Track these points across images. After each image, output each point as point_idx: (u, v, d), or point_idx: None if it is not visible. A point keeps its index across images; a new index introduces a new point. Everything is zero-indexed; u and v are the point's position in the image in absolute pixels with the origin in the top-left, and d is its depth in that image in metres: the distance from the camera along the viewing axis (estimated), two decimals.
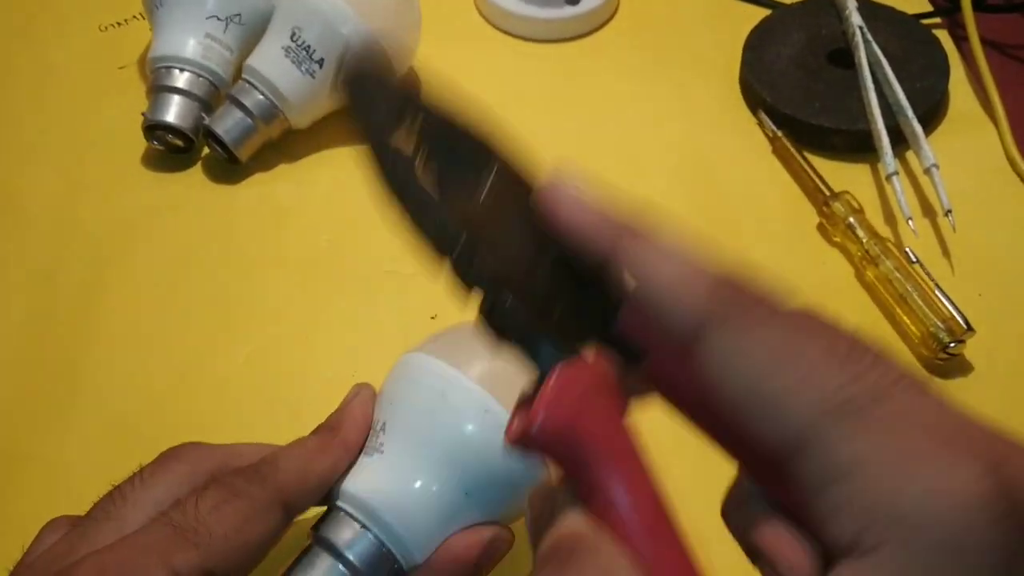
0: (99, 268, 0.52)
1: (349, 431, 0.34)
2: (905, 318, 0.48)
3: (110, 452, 0.45)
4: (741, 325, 0.22)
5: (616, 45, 0.63)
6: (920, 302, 0.47)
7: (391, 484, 0.33)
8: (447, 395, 0.33)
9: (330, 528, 0.33)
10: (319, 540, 0.33)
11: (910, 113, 0.53)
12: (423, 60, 0.60)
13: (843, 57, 0.58)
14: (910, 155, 0.55)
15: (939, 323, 0.46)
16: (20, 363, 0.48)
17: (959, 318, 0.46)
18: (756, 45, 0.60)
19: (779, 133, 0.56)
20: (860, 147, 0.55)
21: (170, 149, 0.55)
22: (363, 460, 0.34)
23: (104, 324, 0.49)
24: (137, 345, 0.49)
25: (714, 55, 0.62)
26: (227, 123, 0.53)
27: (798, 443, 0.20)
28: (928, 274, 0.48)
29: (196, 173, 0.56)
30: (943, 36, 0.60)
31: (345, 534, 0.33)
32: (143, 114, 0.54)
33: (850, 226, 0.51)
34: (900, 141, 0.55)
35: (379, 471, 0.34)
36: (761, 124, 0.57)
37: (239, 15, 0.56)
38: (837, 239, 0.52)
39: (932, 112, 0.56)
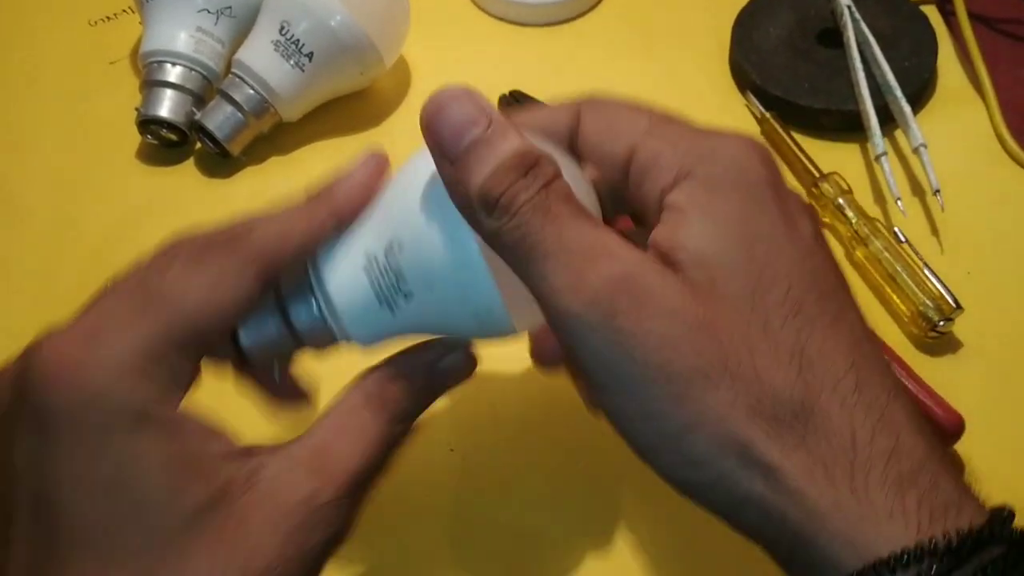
0: (96, 268, 0.52)
1: (342, 205, 0.31)
2: (895, 297, 0.49)
3: None
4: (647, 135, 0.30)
5: (606, 26, 0.63)
6: (909, 281, 0.48)
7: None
8: (492, 313, 0.31)
9: (291, 295, 0.32)
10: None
11: (898, 92, 0.54)
12: (416, 47, 0.60)
13: (832, 37, 0.58)
14: (900, 134, 0.55)
15: (928, 302, 0.47)
16: None
17: (948, 297, 0.47)
18: (746, 25, 0.60)
19: (767, 114, 0.56)
20: (849, 127, 0.55)
21: (164, 143, 0.56)
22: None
23: None
24: None
25: (704, 35, 0.62)
26: (218, 118, 0.54)
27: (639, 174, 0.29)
28: (917, 253, 0.49)
29: (189, 167, 0.56)
30: (932, 12, 0.60)
31: (303, 312, 0.31)
32: (137, 109, 0.55)
33: (839, 207, 0.51)
34: (889, 120, 0.55)
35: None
36: (749, 105, 0.58)
37: (230, 7, 0.56)
38: (826, 219, 0.52)
39: (921, 90, 0.57)
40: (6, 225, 0.55)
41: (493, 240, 0.27)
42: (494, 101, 0.57)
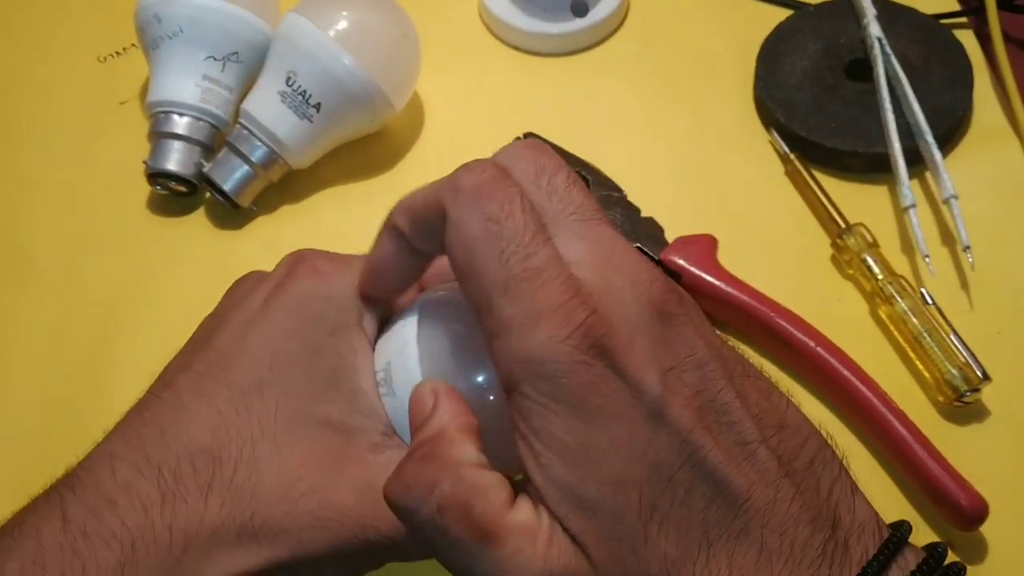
0: (109, 323, 0.52)
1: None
2: (919, 361, 0.47)
3: None
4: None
5: (624, 56, 0.61)
6: (935, 347, 0.46)
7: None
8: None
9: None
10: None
11: (930, 138, 0.51)
12: (430, 80, 0.58)
13: (862, 69, 0.56)
14: (931, 175, 0.53)
15: (954, 370, 0.45)
16: (36, 435, 0.49)
17: (975, 366, 0.45)
18: (771, 56, 0.57)
19: (791, 155, 0.54)
20: (878, 168, 0.53)
21: (174, 194, 0.55)
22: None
23: (116, 388, 0.50)
24: None
25: (728, 64, 0.59)
26: (225, 171, 0.53)
27: (482, 308, 0.27)
28: (944, 317, 0.47)
29: (200, 217, 0.55)
30: (968, 38, 0.57)
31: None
32: (145, 162, 0.54)
33: (864, 262, 0.49)
34: (920, 160, 0.53)
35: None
36: (774, 142, 0.55)
37: (236, 53, 0.54)
38: (851, 272, 0.50)
39: (954, 129, 0.54)
40: (17, 278, 0.54)
41: None
42: (510, 138, 0.56)
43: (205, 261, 0.54)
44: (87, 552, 0.29)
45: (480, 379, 0.31)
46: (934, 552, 0.28)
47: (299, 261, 0.34)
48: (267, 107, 0.52)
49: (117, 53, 0.63)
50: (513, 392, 0.26)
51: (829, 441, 0.29)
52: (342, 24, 0.52)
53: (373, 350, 0.33)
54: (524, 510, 0.26)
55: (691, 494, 0.26)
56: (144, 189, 0.56)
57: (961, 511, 0.42)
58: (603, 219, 0.28)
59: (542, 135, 0.55)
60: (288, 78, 0.52)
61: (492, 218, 0.26)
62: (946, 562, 0.28)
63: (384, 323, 0.34)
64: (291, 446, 0.30)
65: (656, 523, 0.25)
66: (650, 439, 0.25)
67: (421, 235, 0.29)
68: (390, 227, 0.30)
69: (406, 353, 0.31)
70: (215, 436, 0.30)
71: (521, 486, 0.27)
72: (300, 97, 0.52)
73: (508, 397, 0.27)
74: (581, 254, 0.27)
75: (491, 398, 0.31)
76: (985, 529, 0.42)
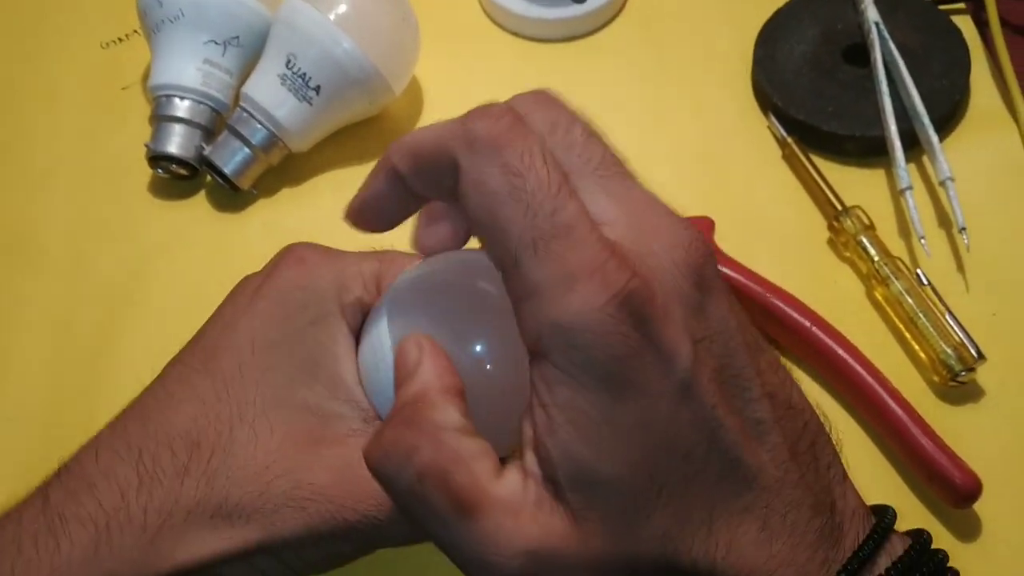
0: (112, 306, 0.52)
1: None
2: (914, 342, 0.47)
3: None
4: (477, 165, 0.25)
5: (623, 42, 0.61)
6: (930, 327, 0.46)
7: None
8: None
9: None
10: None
11: (926, 120, 0.51)
12: (429, 65, 0.59)
13: (859, 54, 0.56)
14: (928, 159, 0.53)
15: (949, 350, 0.45)
16: (42, 417, 0.49)
17: (970, 346, 0.45)
18: (768, 41, 0.58)
19: (789, 139, 0.54)
20: (875, 151, 0.53)
21: (175, 177, 0.55)
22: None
23: (120, 368, 0.50)
24: None
25: (726, 50, 0.59)
26: (226, 154, 0.53)
27: (508, 268, 0.25)
28: (940, 298, 0.47)
29: (201, 200, 0.56)
30: (966, 24, 0.58)
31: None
32: (146, 145, 0.54)
33: (860, 243, 0.50)
34: (918, 143, 0.53)
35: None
36: (771, 127, 0.56)
37: (237, 37, 0.55)
38: (847, 254, 0.51)
39: (951, 112, 0.54)
40: (20, 261, 0.55)
41: None
42: None
43: (206, 244, 0.54)
44: (63, 532, 0.29)
45: (478, 348, 0.30)
46: (919, 539, 0.28)
47: (287, 253, 0.34)
48: (267, 90, 0.53)
49: (119, 39, 0.63)
50: (540, 360, 0.24)
51: (824, 422, 0.29)
52: (342, 7, 0.52)
53: (357, 339, 0.33)
54: (510, 482, 0.25)
55: (703, 471, 0.25)
56: (146, 173, 0.56)
57: (955, 489, 0.42)
58: (629, 173, 0.26)
59: None
60: (288, 61, 0.52)
61: (513, 171, 0.24)
62: (932, 546, 0.28)
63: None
64: (268, 430, 0.31)
65: (663, 499, 0.24)
66: (673, 414, 0.24)
67: (424, 182, 0.27)
68: (388, 168, 0.27)
69: (382, 343, 0.30)
70: (195, 422, 0.31)
71: (508, 459, 0.26)
72: (300, 80, 0.52)
73: (532, 363, 0.25)
74: (612, 213, 0.25)
75: (487, 367, 0.30)
76: (978, 507, 0.42)
